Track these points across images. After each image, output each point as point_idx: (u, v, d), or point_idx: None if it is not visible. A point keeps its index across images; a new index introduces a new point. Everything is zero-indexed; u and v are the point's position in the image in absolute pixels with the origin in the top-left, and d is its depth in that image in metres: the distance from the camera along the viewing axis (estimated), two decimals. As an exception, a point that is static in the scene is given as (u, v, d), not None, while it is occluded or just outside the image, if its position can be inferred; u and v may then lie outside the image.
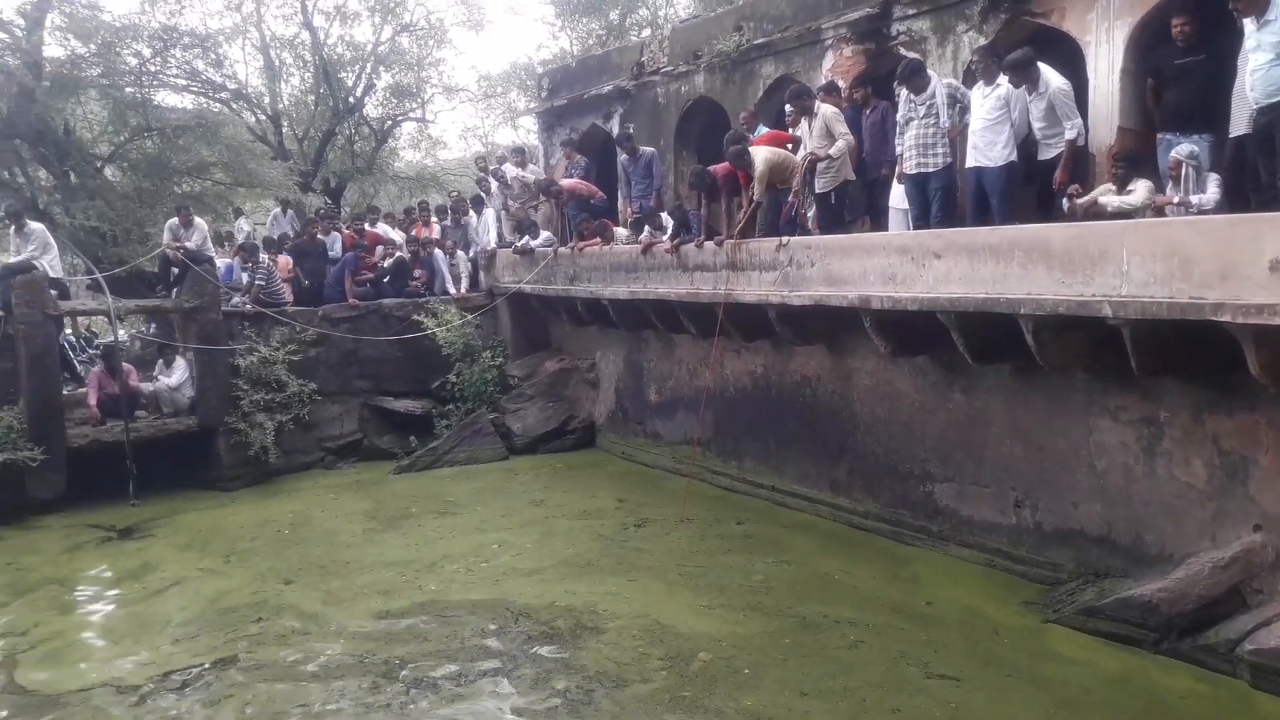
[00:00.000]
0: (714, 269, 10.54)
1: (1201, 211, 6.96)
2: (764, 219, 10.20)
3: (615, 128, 15.14)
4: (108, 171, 18.00)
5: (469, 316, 14.53)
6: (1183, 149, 7.29)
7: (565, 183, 14.08)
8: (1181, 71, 7.54)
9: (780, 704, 6.02)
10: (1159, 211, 7.23)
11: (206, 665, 6.92)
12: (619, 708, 6.05)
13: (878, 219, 10.03)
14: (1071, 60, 8.78)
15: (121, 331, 13.36)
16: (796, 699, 6.09)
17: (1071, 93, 8.10)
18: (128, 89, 17.55)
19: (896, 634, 7.08)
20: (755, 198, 9.81)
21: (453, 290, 15.04)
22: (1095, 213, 7.48)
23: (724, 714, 5.94)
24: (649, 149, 13.35)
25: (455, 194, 18.26)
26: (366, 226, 15.86)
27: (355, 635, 7.41)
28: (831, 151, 9.50)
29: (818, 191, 9.76)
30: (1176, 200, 7.20)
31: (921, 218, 9.05)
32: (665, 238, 11.53)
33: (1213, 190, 7.10)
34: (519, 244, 14.46)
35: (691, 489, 10.59)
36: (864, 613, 7.49)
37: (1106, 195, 7.53)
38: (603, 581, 8.39)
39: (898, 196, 9.53)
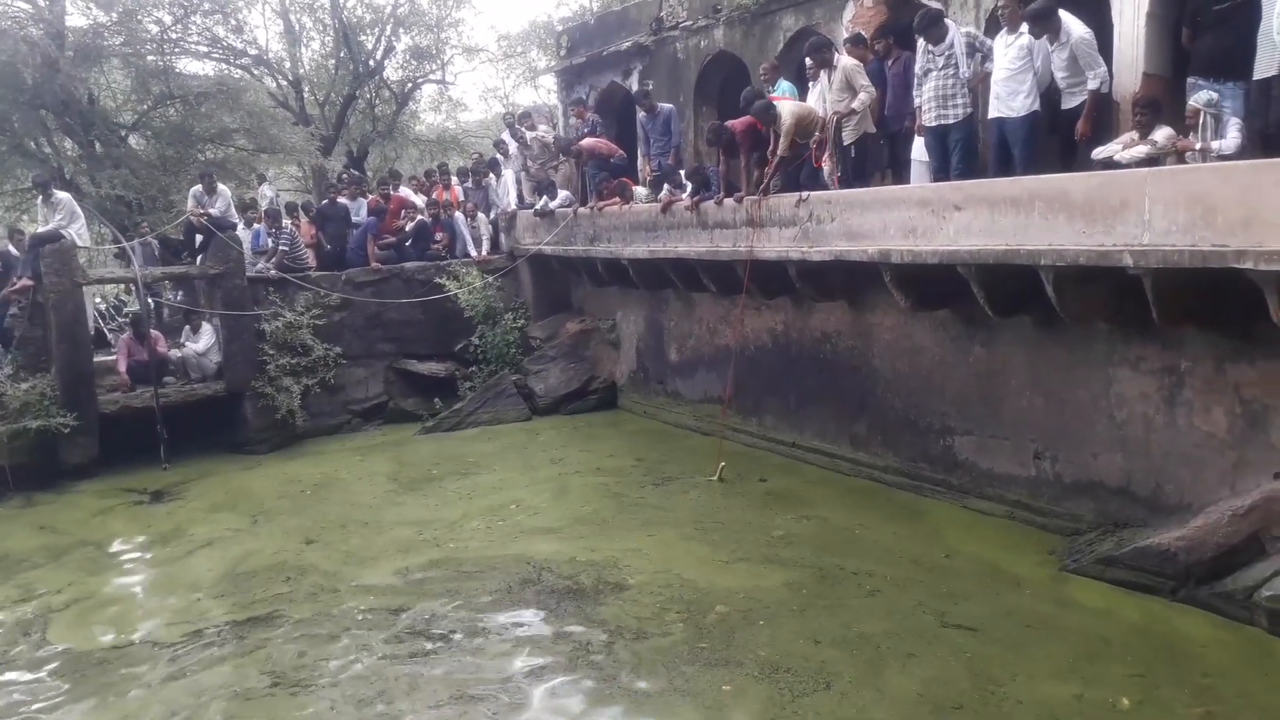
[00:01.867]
0: (734, 226, 10.49)
1: (1222, 157, 6.83)
2: (782, 174, 10.11)
3: (634, 84, 15.03)
4: (132, 140, 18.13)
5: (490, 279, 14.57)
6: (1200, 97, 7.12)
7: (585, 142, 14.01)
8: (1219, 18, 7.30)
9: (796, 653, 6.09)
10: (1180, 158, 7.10)
11: (236, 622, 7.09)
12: (638, 660, 6.14)
13: (900, 172, 9.92)
14: (1096, 5, 8.60)
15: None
16: (812, 648, 6.15)
17: (1094, 41, 7.93)
18: (149, 57, 17.61)
19: (915, 585, 7.12)
20: (780, 152, 9.71)
21: (474, 253, 15.07)
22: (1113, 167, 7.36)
23: (743, 664, 6.01)
24: (667, 105, 13.25)
25: (477, 155, 18.20)
26: (391, 191, 15.89)
27: (378, 592, 7.55)
28: (855, 105, 9.40)
29: (842, 145, 9.69)
30: (1198, 146, 7.06)
31: (942, 170, 8.96)
32: (685, 195, 11.47)
33: (1233, 135, 6.94)
34: (538, 206, 14.45)
35: (717, 447, 10.60)
36: (883, 565, 7.53)
37: (1119, 151, 7.38)
38: (623, 538, 8.48)
39: (920, 149, 9.41)
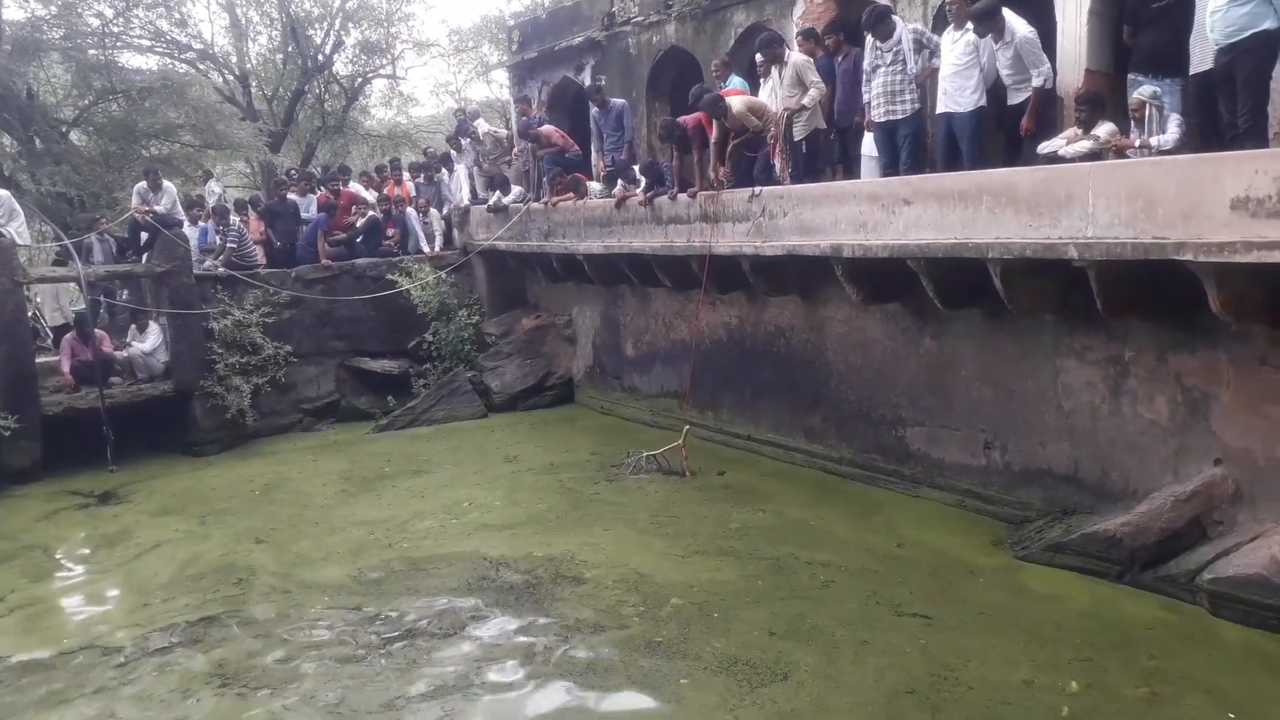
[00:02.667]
0: (688, 221, 10.52)
1: (1161, 152, 6.98)
2: (735, 169, 10.15)
3: (587, 80, 14.99)
4: (73, 136, 17.75)
5: (444, 275, 14.44)
6: (1144, 90, 7.28)
7: (544, 129, 13.92)
8: (1158, 14, 7.47)
9: (752, 644, 6.14)
10: (1120, 153, 7.24)
11: (187, 624, 6.97)
12: (594, 654, 6.14)
13: (851, 167, 10.01)
14: (1040, 2, 8.73)
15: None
16: (768, 639, 6.20)
17: (1037, 40, 8.07)
18: (90, 51, 17.26)
19: (869, 575, 7.21)
20: (751, 128, 9.71)
21: (426, 248, 14.93)
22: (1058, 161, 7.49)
23: (700, 657, 6.04)
24: (620, 101, 13.24)
25: (429, 150, 18.03)
26: (340, 187, 15.69)
27: (331, 592, 7.47)
28: (805, 101, 9.46)
29: (793, 140, 9.74)
30: (1138, 142, 7.22)
31: (891, 165, 9.05)
32: (639, 191, 11.47)
33: (1173, 130, 7.10)
34: (491, 201, 14.36)
35: (674, 439, 10.59)
36: (837, 556, 7.61)
37: (1063, 146, 7.52)
38: (579, 533, 8.47)
39: (870, 144, 9.51)
